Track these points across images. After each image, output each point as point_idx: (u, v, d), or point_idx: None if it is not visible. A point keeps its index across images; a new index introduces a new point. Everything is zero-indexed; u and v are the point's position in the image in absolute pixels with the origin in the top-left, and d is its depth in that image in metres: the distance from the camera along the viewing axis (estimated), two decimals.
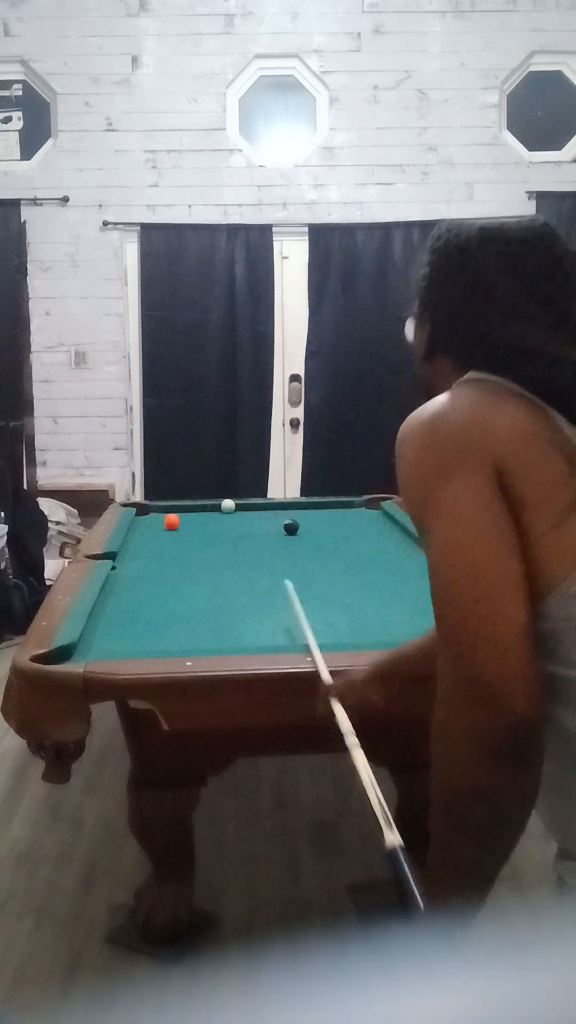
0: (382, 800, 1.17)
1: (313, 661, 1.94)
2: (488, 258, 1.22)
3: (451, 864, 1.06)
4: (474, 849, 1.04)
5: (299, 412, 6.06)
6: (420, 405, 1.18)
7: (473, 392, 1.16)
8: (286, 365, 6.03)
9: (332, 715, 1.60)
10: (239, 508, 4.33)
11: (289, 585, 2.46)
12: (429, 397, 1.25)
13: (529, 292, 1.19)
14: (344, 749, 1.45)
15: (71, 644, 2.24)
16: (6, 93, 5.89)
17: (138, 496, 5.85)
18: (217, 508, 4.33)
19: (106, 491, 5.85)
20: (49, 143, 5.91)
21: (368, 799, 1.18)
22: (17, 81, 5.88)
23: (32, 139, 5.92)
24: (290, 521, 3.77)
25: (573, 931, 0.41)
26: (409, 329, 1.32)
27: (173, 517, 3.93)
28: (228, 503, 4.34)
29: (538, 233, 1.22)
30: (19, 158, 5.93)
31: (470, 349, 1.21)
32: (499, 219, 1.26)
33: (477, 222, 1.26)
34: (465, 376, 1.20)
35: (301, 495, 5.75)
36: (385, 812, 1.13)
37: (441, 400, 1.17)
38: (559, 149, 5.98)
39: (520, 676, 1.00)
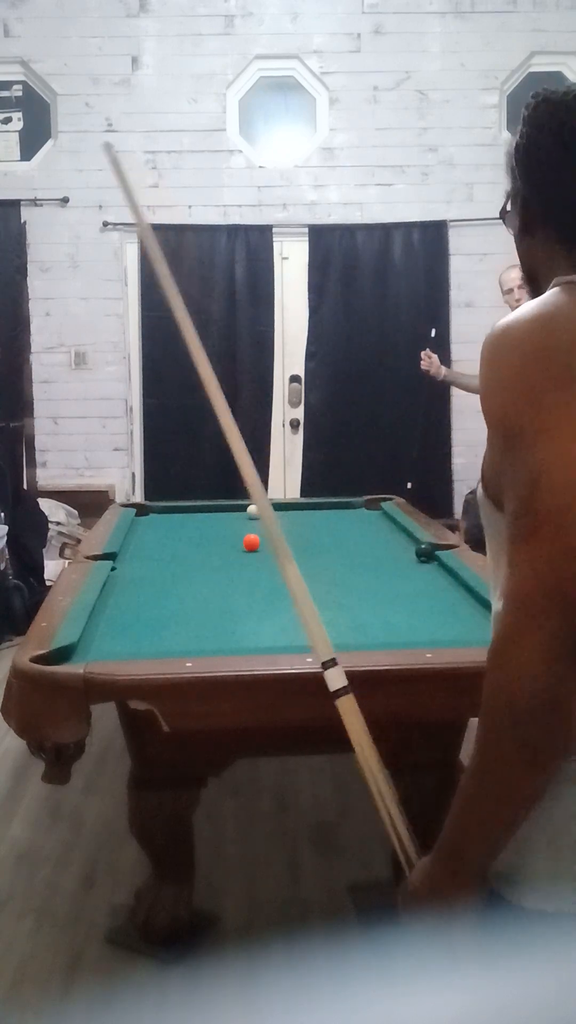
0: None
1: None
2: None
3: (480, 806, 1.06)
4: (508, 787, 1.03)
5: (299, 413, 6.06)
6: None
7: None
8: (286, 366, 6.04)
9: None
10: (236, 509, 4.27)
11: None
12: (531, 280, 1.19)
13: None
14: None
15: (71, 645, 2.24)
16: (6, 93, 5.89)
17: (138, 497, 5.85)
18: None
19: (106, 492, 5.85)
20: (49, 144, 5.91)
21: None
22: (17, 82, 5.88)
23: (32, 139, 5.92)
24: (424, 546, 3.23)
25: (572, 933, 0.41)
26: (507, 209, 1.23)
27: (253, 537, 3.40)
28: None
29: None
30: (19, 159, 5.93)
31: (570, 218, 1.14)
32: None
33: None
34: (569, 277, 1.10)
35: (301, 496, 5.75)
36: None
37: (545, 302, 1.08)
38: None
39: None
